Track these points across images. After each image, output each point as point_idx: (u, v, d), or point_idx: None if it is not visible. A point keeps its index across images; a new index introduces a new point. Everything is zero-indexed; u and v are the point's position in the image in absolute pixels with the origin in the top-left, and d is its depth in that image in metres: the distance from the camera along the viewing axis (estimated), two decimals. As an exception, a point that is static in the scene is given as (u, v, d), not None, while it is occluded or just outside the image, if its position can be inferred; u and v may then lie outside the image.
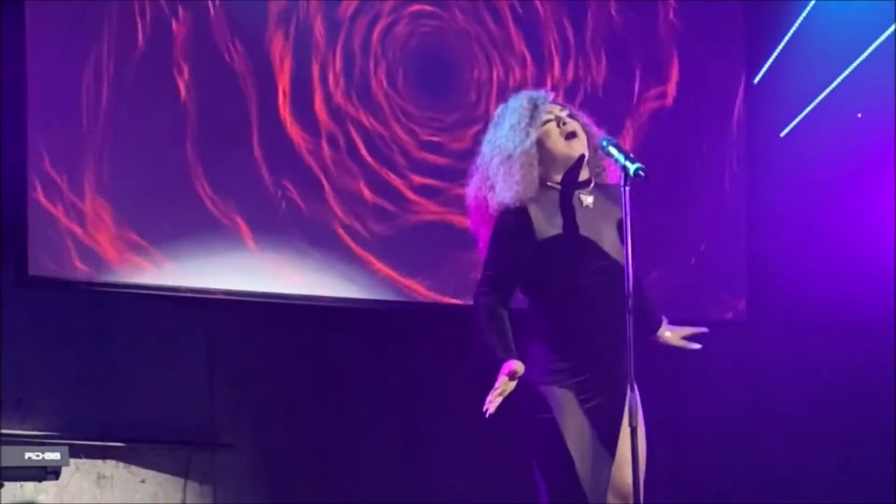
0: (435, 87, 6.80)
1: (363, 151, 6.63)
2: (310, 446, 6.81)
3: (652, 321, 4.50)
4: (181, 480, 6.50)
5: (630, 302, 4.02)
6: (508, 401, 4.10)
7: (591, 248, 4.19)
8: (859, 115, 7.14)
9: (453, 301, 6.67)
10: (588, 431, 4.14)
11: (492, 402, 4.02)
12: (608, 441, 4.18)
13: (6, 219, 5.89)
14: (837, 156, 7.19)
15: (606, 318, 4.14)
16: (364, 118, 6.63)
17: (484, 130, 4.40)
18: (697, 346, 4.52)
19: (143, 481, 6.42)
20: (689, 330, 4.55)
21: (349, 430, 6.89)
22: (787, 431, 7.23)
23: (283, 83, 6.45)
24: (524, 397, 4.17)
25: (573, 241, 4.19)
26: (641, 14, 7.28)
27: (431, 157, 6.76)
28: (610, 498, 4.18)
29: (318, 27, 6.54)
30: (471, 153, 4.47)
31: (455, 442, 6.98)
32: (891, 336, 6.85)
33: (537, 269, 4.21)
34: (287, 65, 6.47)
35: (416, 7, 6.77)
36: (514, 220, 4.21)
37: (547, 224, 4.19)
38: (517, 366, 4.06)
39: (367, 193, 6.62)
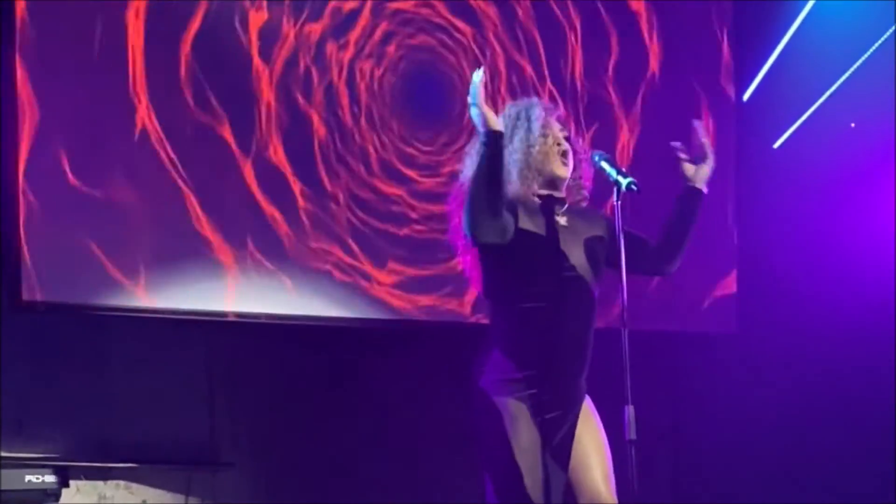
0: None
1: (355, 168, 6.68)
2: (310, 465, 6.81)
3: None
4: (182, 500, 6.51)
5: (625, 315, 4.07)
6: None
7: (558, 257, 4.21)
8: (853, 125, 7.16)
9: (451, 320, 6.69)
10: (539, 445, 4.15)
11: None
12: (560, 455, 4.18)
13: (1, 243, 5.91)
14: (829, 167, 7.22)
15: (566, 331, 4.17)
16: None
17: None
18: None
19: (144, 502, 6.43)
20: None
21: (350, 448, 6.90)
22: (784, 440, 7.25)
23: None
24: (479, 405, 4.21)
25: (543, 244, 4.21)
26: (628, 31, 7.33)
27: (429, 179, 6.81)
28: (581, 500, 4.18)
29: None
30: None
31: (456, 460, 6.98)
32: (889, 347, 6.87)
33: (504, 265, 4.22)
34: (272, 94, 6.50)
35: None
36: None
37: (528, 220, 4.22)
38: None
39: (359, 212, 6.65)
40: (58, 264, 5.94)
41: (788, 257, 7.30)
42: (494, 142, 4.04)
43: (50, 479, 5.41)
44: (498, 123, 4.06)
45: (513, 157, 4.24)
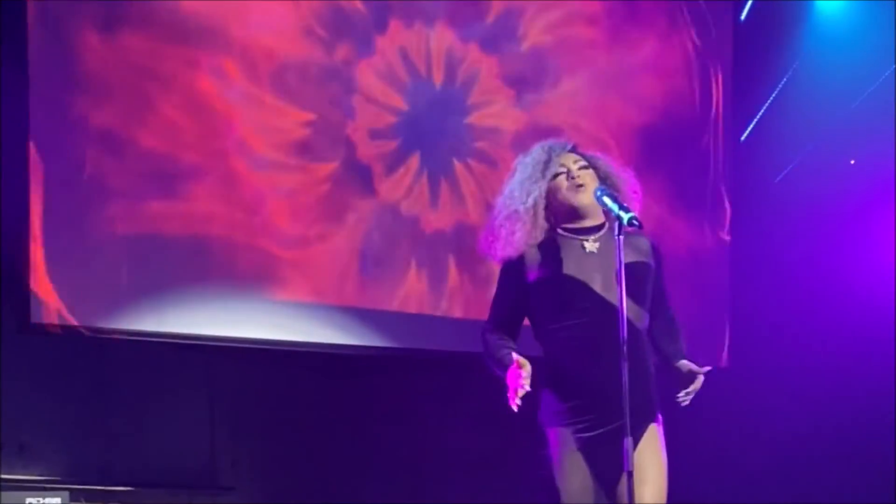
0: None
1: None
2: (310, 489, 6.83)
3: (674, 348, 4.48)
4: (182, 523, 6.55)
5: (625, 348, 4.10)
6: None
7: (579, 289, 4.28)
8: (852, 162, 7.20)
9: (453, 349, 6.74)
10: (585, 473, 4.23)
11: (514, 399, 4.17)
12: (607, 485, 4.23)
13: (7, 267, 5.95)
14: (826, 203, 7.25)
15: (595, 358, 4.23)
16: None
17: None
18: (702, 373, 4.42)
19: (144, 525, 6.46)
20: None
21: (349, 472, 6.91)
22: (775, 475, 7.26)
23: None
24: (538, 436, 4.32)
25: (560, 283, 4.29)
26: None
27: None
28: None
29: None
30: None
31: (458, 486, 7.01)
32: (887, 383, 6.88)
33: (531, 311, 4.39)
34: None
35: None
36: (511, 266, 4.40)
37: (538, 268, 4.33)
38: (521, 359, 4.20)
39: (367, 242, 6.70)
40: (65, 288, 5.98)
41: (783, 293, 7.31)
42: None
43: (51, 501, 5.41)
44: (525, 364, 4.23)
45: (532, 195, 4.36)
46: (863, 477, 6.99)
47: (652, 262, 4.41)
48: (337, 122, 6.67)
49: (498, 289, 4.46)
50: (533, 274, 4.34)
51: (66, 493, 5.52)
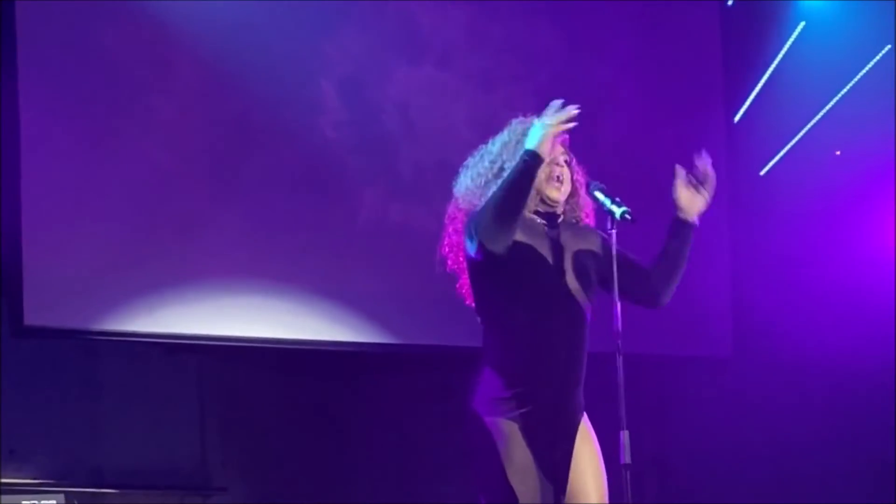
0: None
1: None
2: (301, 489, 6.85)
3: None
4: (174, 524, 6.57)
5: (620, 342, 4.08)
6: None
7: (547, 272, 4.19)
8: (837, 153, 7.23)
9: (443, 344, 6.73)
10: (534, 465, 4.10)
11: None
12: (556, 475, 4.13)
13: (2, 269, 5.96)
14: (818, 192, 7.25)
15: (553, 347, 4.13)
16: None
17: None
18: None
19: (137, 526, 6.48)
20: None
21: (341, 471, 6.94)
22: (776, 465, 7.27)
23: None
24: (471, 426, 4.18)
25: (534, 257, 4.18)
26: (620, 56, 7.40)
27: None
28: None
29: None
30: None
31: (448, 481, 7.03)
32: (885, 369, 6.90)
33: (502, 269, 4.19)
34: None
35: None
36: None
37: (522, 234, 4.18)
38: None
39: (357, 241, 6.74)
40: (56, 290, 5.99)
41: (784, 281, 7.32)
42: (537, 164, 4.07)
43: (48, 503, 5.43)
44: (547, 154, 4.09)
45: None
46: (868, 466, 7.01)
47: (600, 252, 4.27)
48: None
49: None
50: (518, 238, 4.14)
51: (62, 496, 5.55)
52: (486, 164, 4.27)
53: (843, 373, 7.04)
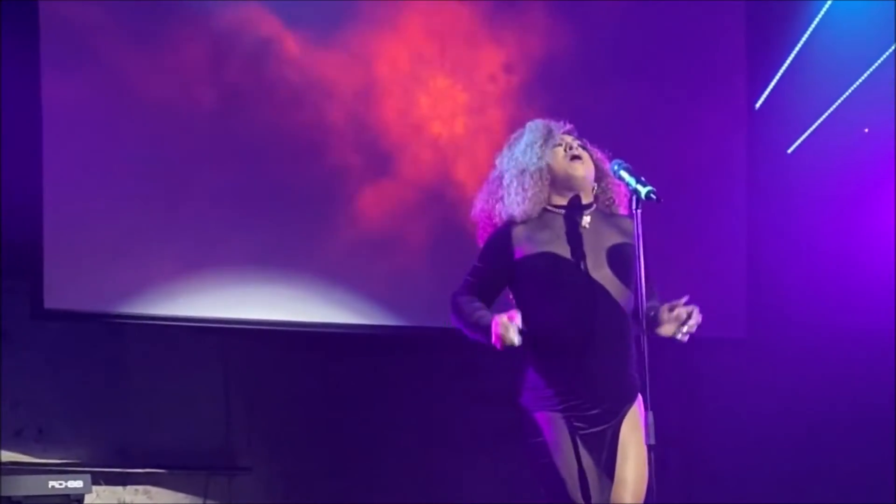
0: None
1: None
2: (326, 468, 6.88)
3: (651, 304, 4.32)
4: (200, 504, 6.60)
5: (644, 324, 4.11)
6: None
7: (576, 265, 4.22)
8: (866, 130, 7.18)
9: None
10: (581, 454, 4.17)
11: (506, 336, 4.09)
12: (604, 464, 4.20)
13: (21, 252, 5.98)
14: (841, 172, 7.22)
15: (590, 340, 4.18)
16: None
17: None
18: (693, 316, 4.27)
19: (162, 506, 6.52)
20: (677, 311, 4.26)
21: (364, 452, 6.96)
22: (794, 444, 7.27)
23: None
24: (522, 423, 4.26)
25: (550, 263, 4.23)
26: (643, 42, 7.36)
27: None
28: None
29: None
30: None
31: (470, 462, 7.05)
32: (891, 351, 6.89)
33: (517, 290, 4.29)
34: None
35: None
36: (499, 239, 4.31)
37: (525, 244, 4.25)
38: (502, 317, 4.10)
39: (376, 223, 6.72)
40: (79, 273, 6.01)
41: (799, 262, 7.30)
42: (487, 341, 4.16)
43: (73, 484, 5.45)
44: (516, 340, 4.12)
45: (543, 158, 4.30)
46: (885, 443, 6.99)
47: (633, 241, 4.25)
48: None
49: (479, 261, 4.34)
50: (520, 251, 4.25)
51: (88, 476, 5.56)
52: (515, 159, 4.37)
53: (863, 350, 7.03)
